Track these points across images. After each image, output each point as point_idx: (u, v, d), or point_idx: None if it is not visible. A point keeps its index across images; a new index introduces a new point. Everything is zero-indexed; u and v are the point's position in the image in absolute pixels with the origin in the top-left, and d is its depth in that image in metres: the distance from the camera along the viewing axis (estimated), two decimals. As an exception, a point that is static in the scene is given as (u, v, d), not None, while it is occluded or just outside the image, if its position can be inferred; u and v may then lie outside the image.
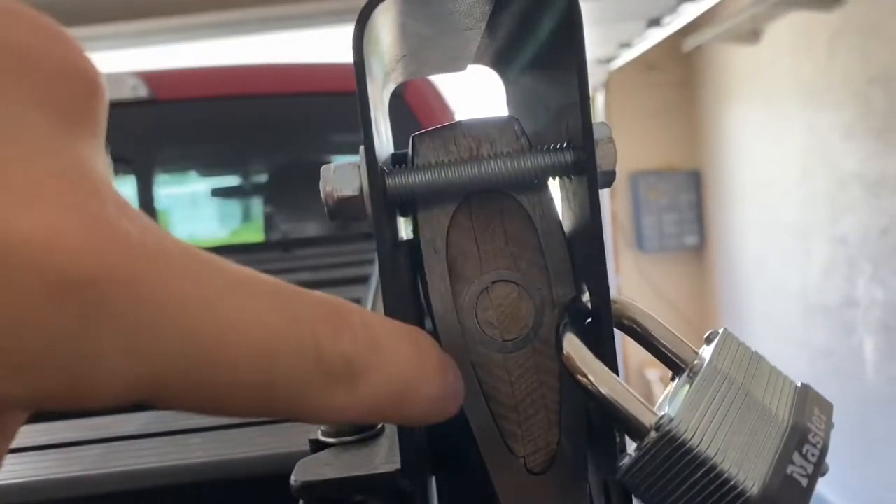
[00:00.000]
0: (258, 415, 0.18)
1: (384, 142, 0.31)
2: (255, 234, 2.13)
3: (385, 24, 0.27)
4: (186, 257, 0.16)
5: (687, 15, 2.91)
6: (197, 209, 2.28)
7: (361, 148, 0.25)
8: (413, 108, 1.65)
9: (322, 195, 0.26)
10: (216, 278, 0.17)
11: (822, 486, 0.30)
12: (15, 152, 0.14)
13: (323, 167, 0.26)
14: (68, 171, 0.15)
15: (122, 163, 1.71)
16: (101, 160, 0.16)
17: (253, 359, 0.17)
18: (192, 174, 2.30)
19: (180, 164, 2.22)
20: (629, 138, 3.97)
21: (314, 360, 0.18)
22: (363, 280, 0.99)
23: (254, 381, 0.17)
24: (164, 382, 0.16)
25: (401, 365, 0.20)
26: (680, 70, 4.05)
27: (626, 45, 3.54)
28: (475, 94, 2.74)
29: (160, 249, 0.15)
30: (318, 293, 0.19)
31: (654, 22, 3.13)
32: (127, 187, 1.76)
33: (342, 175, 0.26)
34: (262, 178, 2.18)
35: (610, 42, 3.54)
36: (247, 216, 2.27)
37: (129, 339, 0.15)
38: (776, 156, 3.12)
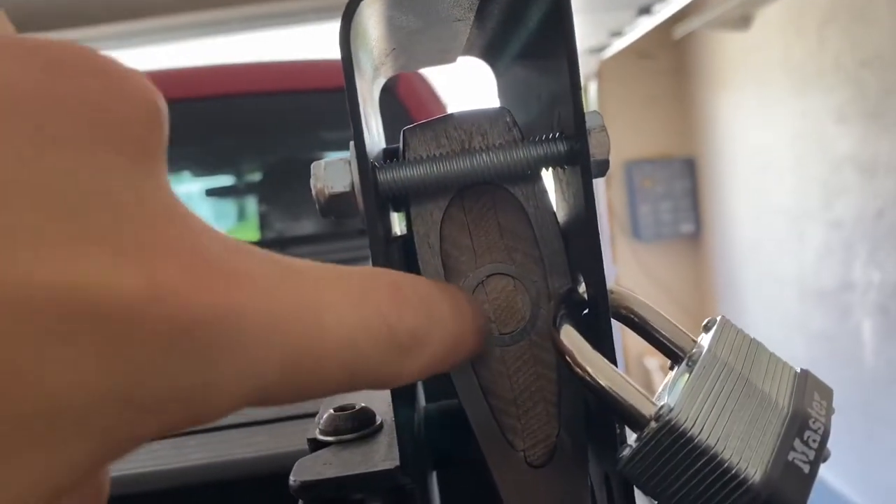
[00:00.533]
0: (339, 392, 0.20)
1: (375, 137, 0.30)
2: (250, 233, 2.13)
3: (372, 17, 0.26)
4: (270, 269, 0.17)
5: (677, 2, 2.91)
6: (191, 209, 2.27)
7: (352, 143, 0.25)
8: (405, 103, 1.64)
9: (313, 192, 0.26)
10: (297, 283, 0.18)
11: (821, 470, 0.30)
12: (104, 207, 0.14)
13: (313, 164, 0.26)
14: (157, 216, 0.15)
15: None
16: (169, 182, 0.17)
17: (338, 351, 0.18)
18: (186, 175, 2.29)
19: (173, 165, 2.21)
20: (623, 127, 3.97)
21: (387, 339, 0.20)
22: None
23: (340, 369, 0.18)
24: (267, 390, 0.17)
25: (450, 324, 0.23)
26: (672, 58, 4.05)
27: (618, 33, 3.53)
28: (467, 86, 2.74)
29: (249, 270, 0.16)
30: (368, 269, 0.21)
31: (645, 10, 3.13)
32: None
33: (333, 171, 0.26)
34: (256, 177, 2.17)
35: (601, 31, 3.53)
36: (241, 215, 2.26)
37: (238, 363, 0.16)
38: (770, 141, 3.12)
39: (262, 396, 0.17)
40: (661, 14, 3.07)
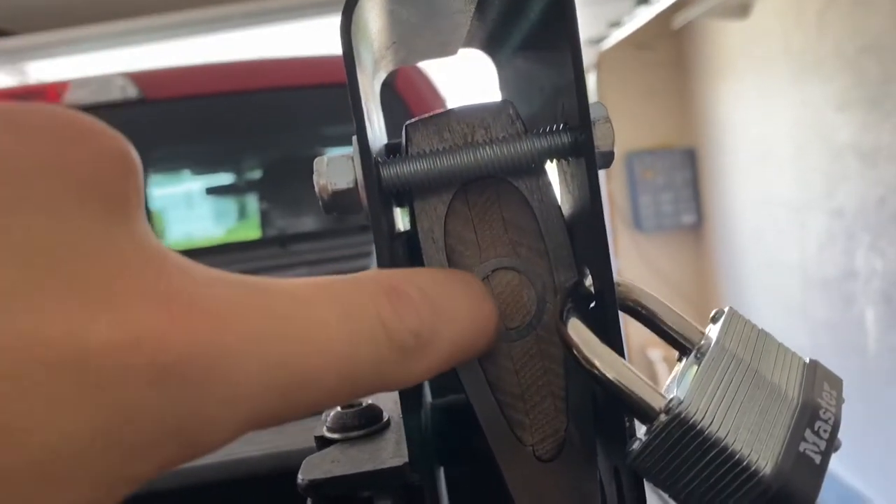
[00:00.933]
0: (346, 401, 0.20)
1: (377, 132, 0.30)
2: (251, 231, 2.12)
3: (372, 11, 0.26)
4: (249, 297, 0.17)
5: (675, -8, 2.90)
6: (192, 208, 2.27)
7: (354, 139, 0.25)
8: (404, 97, 1.64)
9: (316, 188, 0.26)
10: (279, 305, 0.18)
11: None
12: (79, 260, 0.15)
13: (316, 160, 0.26)
14: (131, 264, 0.16)
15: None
16: (147, 226, 0.17)
17: (333, 364, 0.18)
18: (186, 173, 2.29)
19: (173, 163, 2.21)
20: (622, 118, 3.95)
21: (386, 342, 0.19)
22: (362, 272, 0.98)
23: (339, 381, 0.18)
24: (265, 414, 0.17)
25: (463, 315, 0.22)
26: (671, 48, 4.03)
27: (616, 24, 3.52)
28: (467, 78, 2.73)
29: (226, 302, 0.17)
30: (363, 275, 0.20)
31: (643, 0, 3.12)
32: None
33: (336, 168, 0.25)
34: (257, 174, 2.17)
35: (599, 22, 3.52)
36: (242, 213, 2.26)
37: (226, 394, 0.16)
38: (770, 130, 3.12)
39: (261, 420, 0.17)
40: (660, 4, 3.05)
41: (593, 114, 0.25)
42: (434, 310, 0.21)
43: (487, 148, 0.26)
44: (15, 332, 0.14)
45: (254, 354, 0.17)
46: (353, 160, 0.25)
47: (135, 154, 0.17)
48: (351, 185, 0.25)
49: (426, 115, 0.29)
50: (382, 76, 0.36)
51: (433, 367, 0.21)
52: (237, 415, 0.16)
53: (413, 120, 0.28)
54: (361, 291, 0.20)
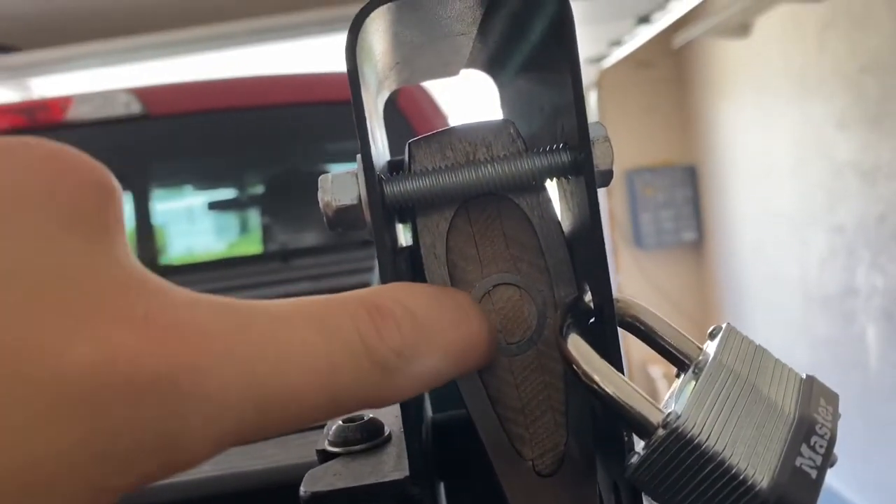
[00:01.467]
0: (330, 419, 0.20)
1: (380, 150, 0.31)
2: (253, 246, 2.13)
3: (377, 32, 0.27)
4: (227, 318, 0.18)
5: (676, 11, 2.91)
6: (194, 223, 2.27)
7: (358, 157, 0.25)
8: (406, 115, 1.65)
9: (321, 205, 0.26)
10: (257, 326, 0.18)
11: (827, 476, 0.30)
12: (60, 282, 0.16)
13: (321, 177, 0.26)
14: (111, 286, 0.16)
15: (117, 180, 1.71)
16: (128, 250, 0.18)
17: (313, 381, 0.19)
18: (188, 188, 2.29)
19: (176, 178, 2.22)
20: (623, 136, 3.97)
21: (367, 360, 0.20)
22: (363, 287, 0.98)
23: (320, 398, 0.19)
24: (245, 431, 0.18)
25: (451, 332, 0.22)
26: (671, 66, 4.06)
27: (617, 43, 3.54)
28: (468, 97, 2.74)
29: (204, 323, 0.17)
30: (347, 294, 0.21)
31: (644, 19, 3.14)
32: (124, 204, 1.75)
33: (340, 184, 0.26)
34: (259, 189, 2.17)
35: (600, 41, 3.54)
36: (244, 228, 2.27)
37: (204, 412, 0.17)
38: (771, 148, 3.13)
39: (242, 436, 0.18)
40: (661, 23, 3.08)
41: (592, 133, 0.25)
42: (418, 327, 0.21)
43: (489, 166, 0.27)
44: None
45: (231, 373, 0.17)
46: (357, 177, 0.26)
47: (115, 183, 0.18)
48: (355, 202, 0.26)
49: (429, 133, 0.29)
50: (386, 95, 0.36)
51: (418, 384, 0.21)
52: (215, 431, 0.17)
53: (416, 138, 0.29)
54: (343, 309, 0.20)
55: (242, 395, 0.17)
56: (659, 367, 3.89)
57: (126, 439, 0.15)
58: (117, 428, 0.15)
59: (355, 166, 0.26)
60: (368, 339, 0.20)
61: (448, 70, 0.37)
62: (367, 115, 0.25)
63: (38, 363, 0.14)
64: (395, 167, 0.31)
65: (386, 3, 0.24)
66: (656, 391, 3.73)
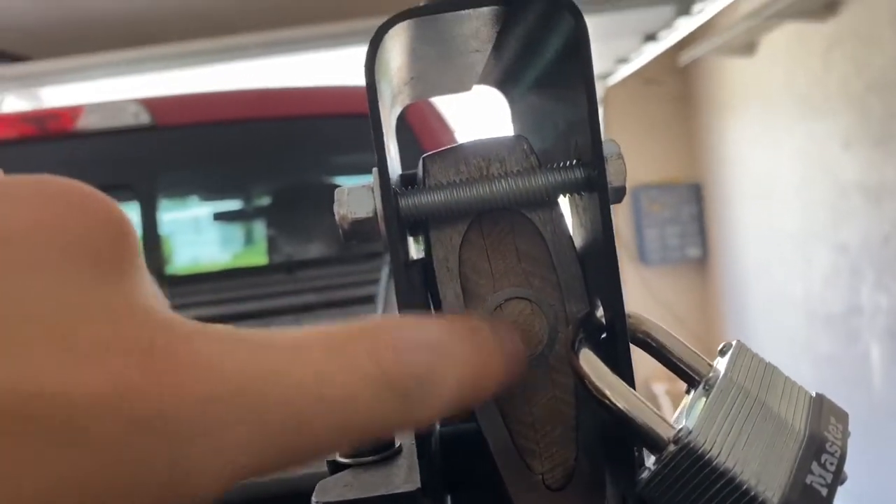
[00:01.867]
0: (350, 448, 0.19)
1: (394, 163, 0.31)
2: (258, 257, 2.13)
3: (395, 48, 0.27)
4: (236, 349, 0.17)
5: (682, 29, 2.93)
6: (200, 234, 2.28)
7: (374, 170, 0.26)
8: (414, 129, 1.66)
9: (336, 218, 0.26)
10: (267, 356, 0.18)
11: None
12: (64, 315, 0.16)
13: (336, 190, 0.27)
14: (120, 320, 0.16)
15: (125, 189, 1.72)
16: (144, 285, 0.18)
17: (328, 413, 0.18)
18: (195, 199, 2.30)
19: (183, 189, 2.23)
20: (629, 153, 3.88)
21: (387, 389, 0.19)
22: (368, 300, 0.99)
23: (338, 429, 0.18)
24: (256, 464, 0.17)
25: (467, 358, 0.22)
26: (677, 84, 4.07)
27: (623, 60, 3.55)
28: (474, 112, 2.75)
29: (213, 356, 0.17)
30: (361, 323, 0.20)
31: (651, 37, 3.15)
32: (130, 214, 1.76)
33: (356, 198, 0.26)
34: (265, 201, 2.18)
35: (607, 58, 3.55)
36: (249, 239, 2.27)
37: (210, 446, 0.16)
38: (776, 166, 3.13)
39: (253, 471, 0.17)
40: (667, 41, 3.09)
41: (606, 150, 0.26)
42: (435, 352, 0.21)
43: (503, 181, 0.27)
44: None
45: (239, 406, 0.17)
46: (372, 191, 0.26)
47: (126, 218, 0.18)
48: (370, 215, 0.26)
49: (443, 147, 0.30)
50: (398, 110, 0.37)
51: (437, 411, 0.21)
52: (225, 465, 0.17)
53: (431, 153, 0.29)
54: (360, 338, 0.20)
55: (252, 429, 0.17)
56: (662, 384, 3.87)
57: (128, 474, 0.15)
58: (119, 462, 0.15)
59: (366, 179, 0.26)
60: (387, 367, 0.19)
61: (460, 86, 0.38)
62: (383, 129, 0.25)
63: (38, 396, 0.14)
64: (407, 181, 0.31)
65: (407, 18, 0.24)
66: (660, 408, 3.71)
